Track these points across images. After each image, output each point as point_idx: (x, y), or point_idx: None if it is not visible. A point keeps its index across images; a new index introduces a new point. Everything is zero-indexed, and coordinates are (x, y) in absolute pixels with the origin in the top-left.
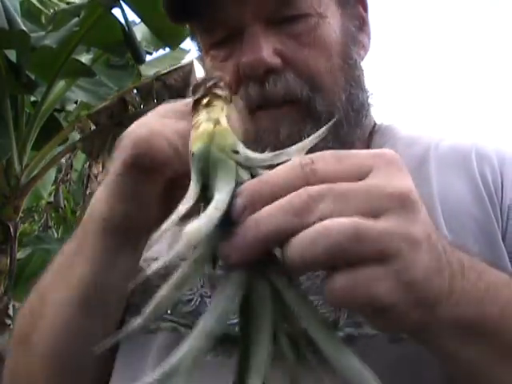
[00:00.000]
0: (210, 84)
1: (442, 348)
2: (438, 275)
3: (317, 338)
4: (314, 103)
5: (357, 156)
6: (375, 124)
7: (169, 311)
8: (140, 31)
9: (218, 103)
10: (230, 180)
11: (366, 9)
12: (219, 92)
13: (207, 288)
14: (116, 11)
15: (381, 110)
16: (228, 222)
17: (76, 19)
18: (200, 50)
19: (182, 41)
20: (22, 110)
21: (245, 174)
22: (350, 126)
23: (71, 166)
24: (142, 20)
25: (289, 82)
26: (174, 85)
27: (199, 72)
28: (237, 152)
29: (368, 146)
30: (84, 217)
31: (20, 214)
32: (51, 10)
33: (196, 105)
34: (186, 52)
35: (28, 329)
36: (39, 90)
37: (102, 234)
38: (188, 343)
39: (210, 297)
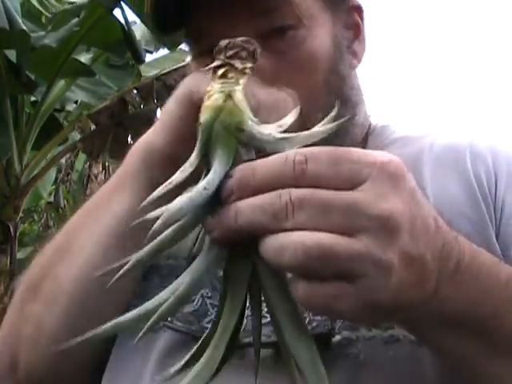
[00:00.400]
0: (230, 54)
1: (430, 341)
2: (416, 288)
3: (283, 328)
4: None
5: (355, 160)
6: (370, 124)
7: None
8: (139, 30)
9: (235, 75)
10: (227, 159)
11: (361, 16)
12: (238, 64)
13: (208, 289)
14: (116, 11)
15: (381, 108)
16: (219, 198)
17: (76, 19)
18: (191, 56)
19: (180, 42)
20: (21, 110)
21: (246, 154)
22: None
23: (71, 165)
24: (142, 20)
25: None
26: (174, 85)
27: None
28: (242, 130)
29: (363, 148)
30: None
31: (20, 214)
32: (51, 11)
33: (214, 71)
34: (186, 53)
35: (46, 269)
36: (39, 89)
37: (148, 162)
38: (156, 302)
39: (211, 297)
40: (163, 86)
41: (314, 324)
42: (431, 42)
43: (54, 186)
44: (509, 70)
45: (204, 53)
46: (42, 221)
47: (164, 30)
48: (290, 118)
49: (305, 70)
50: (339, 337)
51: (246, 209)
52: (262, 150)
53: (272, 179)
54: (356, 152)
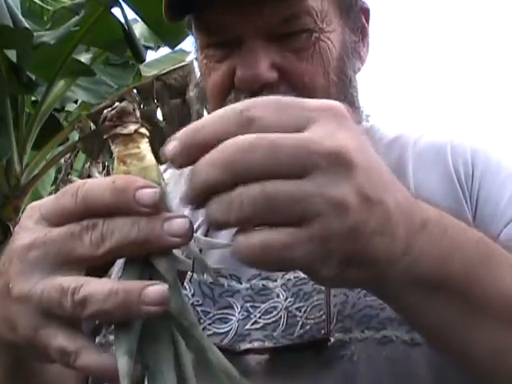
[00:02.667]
0: (111, 131)
1: (406, 307)
2: (381, 236)
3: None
4: None
5: (300, 106)
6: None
7: None
8: (138, 28)
9: (129, 142)
10: None
11: (368, 19)
12: (125, 131)
13: (199, 296)
14: (115, 10)
15: (380, 109)
16: None
17: (75, 18)
18: (196, 45)
19: (181, 40)
20: (22, 110)
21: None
22: None
23: (71, 165)
24: (142, 19)
25: (280, 94)
26: (174, 85)
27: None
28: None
29: None
30: None
31: (20, 214)
32: (52, 10)
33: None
34: (187, 54)
35: None
36: (39, 89)
37: None
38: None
39: (202, 305)
40: (163, 86)
41: (308, 327)
42: (429, 41)
43: (53, 186)
44: (509, 70)
45: (212, 45)
46: None
47: (176, 15)
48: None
49: (316, 69)
50: (332, 339)
51: (200, 168)
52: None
53: (218, 132)
54: (300, 100)
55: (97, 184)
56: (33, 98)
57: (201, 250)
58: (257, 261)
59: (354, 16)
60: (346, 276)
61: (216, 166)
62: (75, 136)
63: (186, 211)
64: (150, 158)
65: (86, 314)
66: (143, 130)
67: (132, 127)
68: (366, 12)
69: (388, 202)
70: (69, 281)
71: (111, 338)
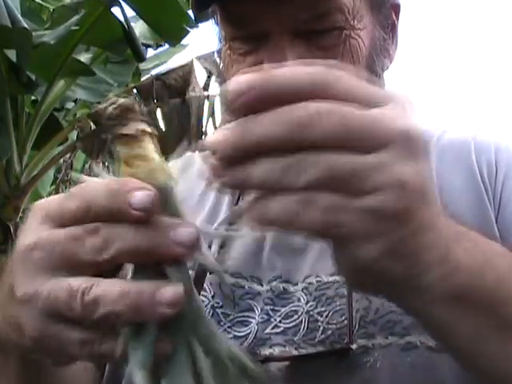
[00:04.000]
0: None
1: (434, 319)
2: (428, 232)
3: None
4: None
5: (376, 87)
6: None
7: None
8: (138, 27)
9: (133, 142)
10: None
11: (397, 15)
12: (128, 131)
13: (219, 298)
14: (115, 9)
15: None
16: None
17: (75, 18)
18: (220, 35)
19: (182, 37)
20: (21, 110)
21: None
22: None
23: (71, 165)
24: (142, 18)
25: None
26: (174, 85)
27: (199, 72)
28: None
29: None
30: None
31: (20, 214)
32: (52, 9)
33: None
34: (183, 47)
35: None
36: (39, 89)
37: None
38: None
39: (222, 307)
40: (163, 86)
41: (329, 332)
42: (434, 38)
43: (53, 186)
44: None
45: (238, 38)
46: None
47: (203, 4)
48: None
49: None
50: (355, 345)
51: (263, 121)
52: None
53: (291, 88)
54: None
55: (94, 186)
56: (33, 98)
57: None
58: (293, 218)
59: (385, 12)
60: (382, 266)
61: (282, 124)
62: (75, 136)
63: (208, 204)
64: (156, 159)
65: (97, 315)
66: (148, 129)
67: (135, 126)
68: (396, 8)
69: (437, 205)
70: (78, 281)
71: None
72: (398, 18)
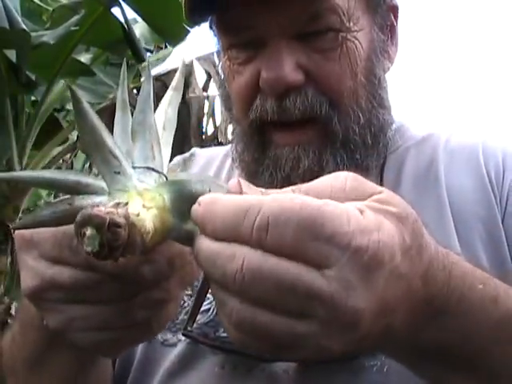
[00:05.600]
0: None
1: (416, 369)
2: (403, 331)
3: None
4: (332, 122)
5: (327, 240)
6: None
7: (189, 328)
8: (138, 28)
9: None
10: None
11: (396, 16)
12: (119, 220)
13: None
14: (115, 10)
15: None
16: None
17: (75, 18)
18: (219, 46)
19: (182, 38)
20: (21, 110)
21: None
22: (366, 150)
23: (71, 165)
24: (143, 18)
25: (308, 98)
26: None
27: (199, 72)
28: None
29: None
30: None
31: (20, 214)
32: (51, 9)
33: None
34: (186, 52)
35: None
36: (39, 89)
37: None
38: None
39: None
40: (163, 86)
41: None
42: (434, 38)
43: None
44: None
45: (235, 46)
46: None
47: (196, 16)
48: None
49: (344, 71)
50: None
51: (205, 251)
52: None
53: (230, 231)
54: (331, 224)
55: None
56: (33, 98)
57: None
58: (243, 328)
59: (383, 13)
60: (358, 348)
61: (218, 269)
62: (75, 136)
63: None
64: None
65: None
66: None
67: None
68: (394, 9)
69: (392, 330)
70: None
71: None
72: (396, 20)
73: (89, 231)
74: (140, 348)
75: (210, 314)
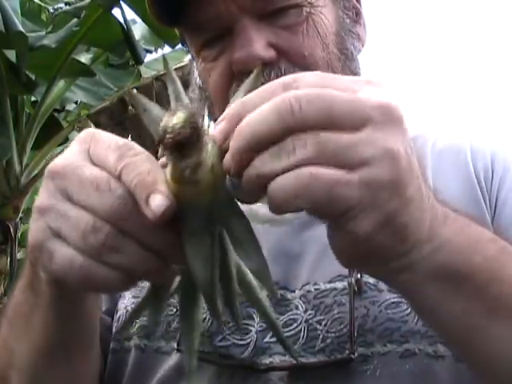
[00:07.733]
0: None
1: (426, 299)
2: (417, 205)
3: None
4: None
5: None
6: None
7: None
8: (138, 30)
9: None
10: None
11: (359, 2)
12: (188, 163)
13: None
14: (115, 11)
15: None
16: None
17: (76, 20)
18: (192, 53)
19: (181, 38)
20: (21, 110)
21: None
22: None
23: None
24: (143, 19)
25: (282, 70)
26: None
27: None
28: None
29: None
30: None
31: (20, 214)
32: (51, 9)
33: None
34: (186, 52)
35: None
36: (39, 89)
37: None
38: None
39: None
40: (163, 86)
41: (328, 341)
42: (431, 38)
43: None
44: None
45: (207, 43)
46: None
47: (165, 21)
48: None
49: (314, 43)
50: (356, 354)
51: (250, 121)
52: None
53: (265, 98)
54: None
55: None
56: (33, 98)
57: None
58: (298, 191)
59: None
60: (376, 241)
61: (267, 118)
62: (75, 136)
63: None
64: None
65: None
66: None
67: (195, 159)
68: None
69: (422, 182)
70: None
71: (127, 343)
72: (359, 3)
73: (177, 118)
74: (133, 354)
75: (205, 323)
